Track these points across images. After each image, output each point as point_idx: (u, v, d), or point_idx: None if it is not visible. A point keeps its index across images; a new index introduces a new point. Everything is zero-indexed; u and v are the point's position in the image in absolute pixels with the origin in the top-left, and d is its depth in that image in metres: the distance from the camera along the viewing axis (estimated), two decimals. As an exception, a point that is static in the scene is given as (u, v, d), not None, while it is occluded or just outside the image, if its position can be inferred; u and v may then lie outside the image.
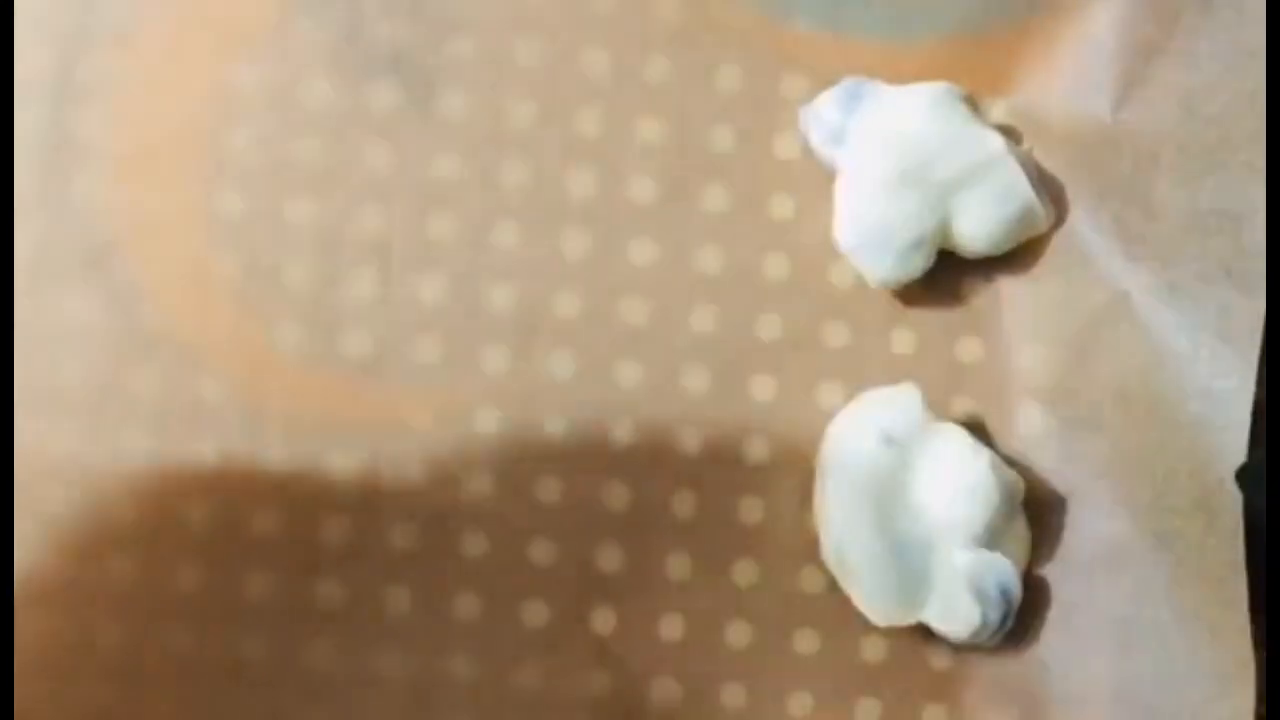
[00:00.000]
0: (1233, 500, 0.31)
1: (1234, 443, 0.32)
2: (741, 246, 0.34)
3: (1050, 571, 0.33)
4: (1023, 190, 0.33)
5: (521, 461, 0.34)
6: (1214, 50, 0.33)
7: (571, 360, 0.34)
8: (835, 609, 0.33)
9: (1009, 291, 0.34)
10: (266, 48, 0.34)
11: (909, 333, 0.34)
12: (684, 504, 0.34)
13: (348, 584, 0.34)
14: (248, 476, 0.34)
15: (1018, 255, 0.34)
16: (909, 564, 0.32)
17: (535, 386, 0.34)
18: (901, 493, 0.32)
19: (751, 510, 0.34)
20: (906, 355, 0.34)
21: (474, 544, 0.34)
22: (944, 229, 0.33)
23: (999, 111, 0.34)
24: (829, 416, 0.33)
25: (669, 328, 0.34)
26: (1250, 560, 0.31)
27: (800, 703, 0.33)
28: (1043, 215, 0.33)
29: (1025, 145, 0.34)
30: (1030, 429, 0.34)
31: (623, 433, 0.34)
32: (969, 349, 0.34)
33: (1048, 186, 0.34)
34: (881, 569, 0.32)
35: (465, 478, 0.34)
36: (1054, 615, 0.33)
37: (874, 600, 0.32)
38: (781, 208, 0.34)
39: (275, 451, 0.34)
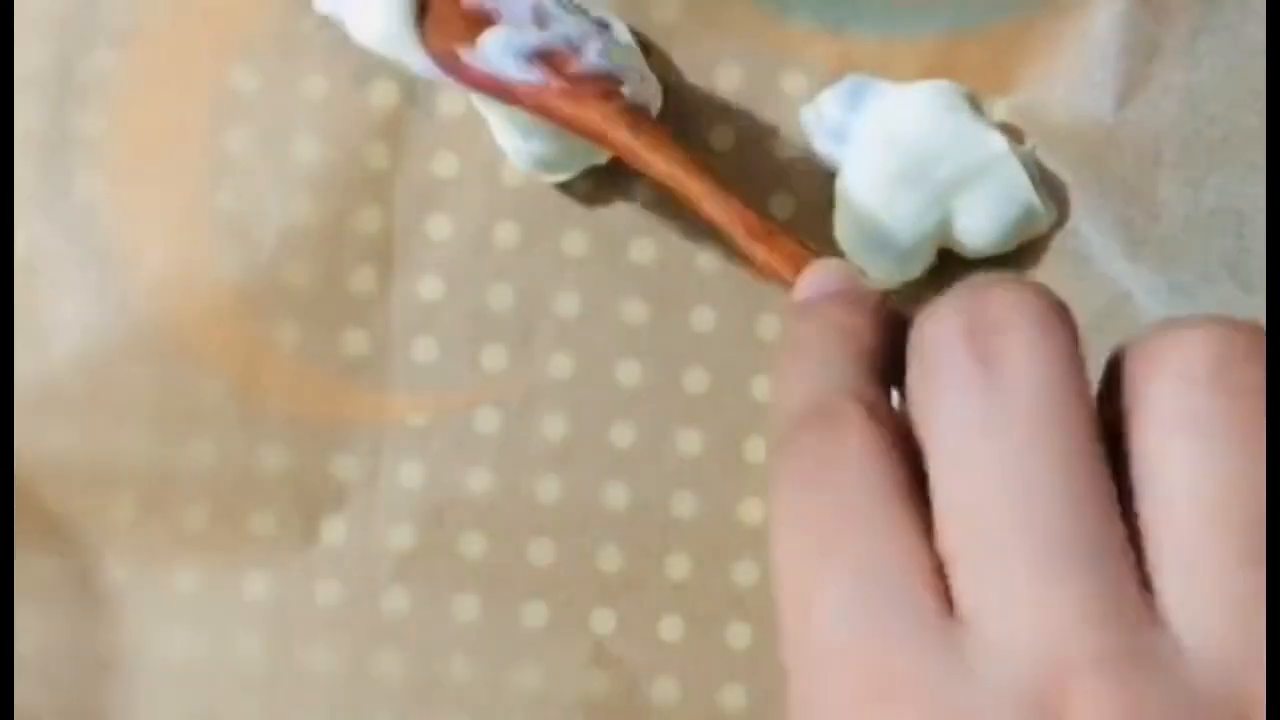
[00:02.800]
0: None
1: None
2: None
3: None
4: (1024, 190, 0.32)
5: (521, 461, 0.34)
6: (1216, 49, 0.33)
7: (571, 360, 0.34)
8: (835, 609, 0.33)
9: (1010, 291, 0.34)
10: (266, 48, 0.34)
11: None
12: (684, 504, 0.34)
13: (346, 584, 0.34)
14: (246, 475, 0.34)
15: (1018, 255, 0.33)
16: (909, 564, 0.32)
17: (535, 386, 0.34)
18: (902, 493, 0.32)
19: (751, 510, 0.34)
20: (907, 355, 0.34)
21: (474, 544, 0.34)
22: (944, 229, 0.33)
23: (1001, 110, 0.34)
24: (829, 416, 0.33)
25: (669, 328, 0.34)
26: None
27: (800, 703, 0.33)
28: (1044, 215, 0.33)
29: (1027, 144, 0.34)
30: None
31: (623, 433, 0.34)
32: (970, 349, 0.34)
33: (1049, 186, 0.33)
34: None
35: (465, 478, 0.34)
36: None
37: (874, 601, 0.32)
38: (782, 208, 0.34)
39: (274, 451, 0.34)
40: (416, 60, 0.30)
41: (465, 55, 0.30)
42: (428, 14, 0.30)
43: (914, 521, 0.20)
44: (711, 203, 0.29)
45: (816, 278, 0.26)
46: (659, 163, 0.29)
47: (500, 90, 0.30)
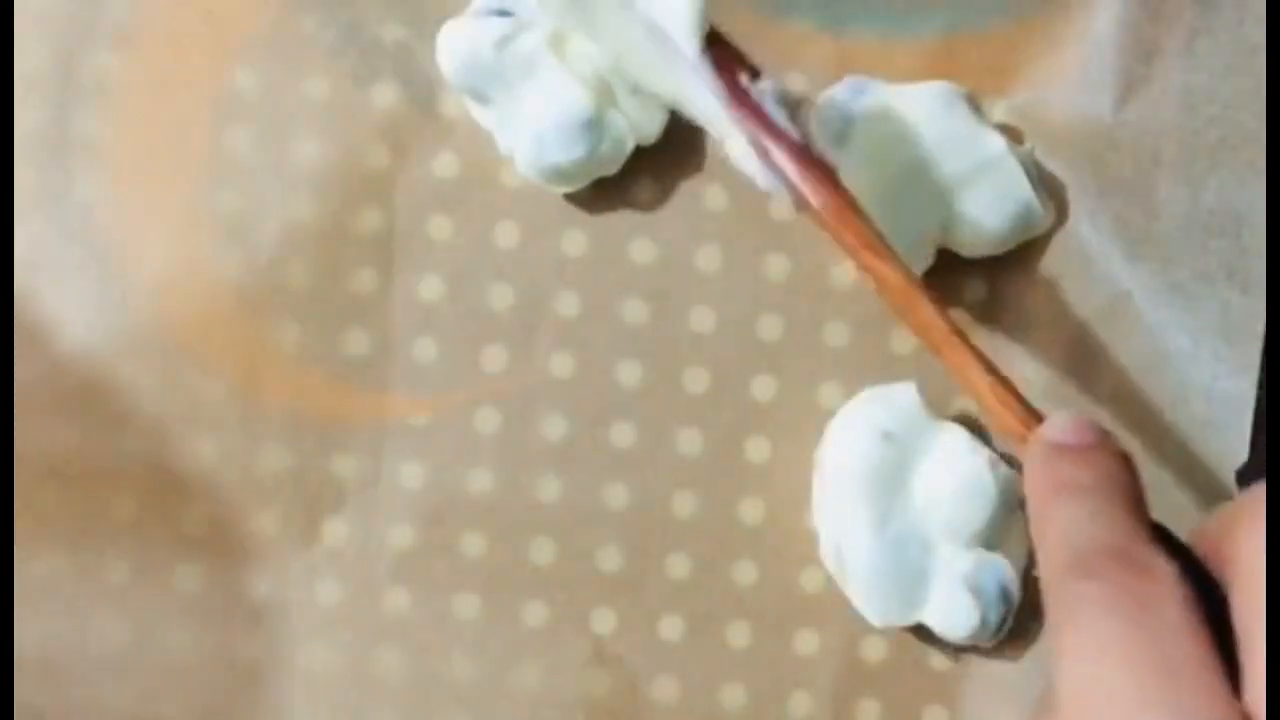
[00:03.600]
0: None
1: (1235, 443, 0.32)
2: (741, 246, 0.34)
3: (1050, 572, 0.33)
4: (1023, 190, 0.33)
5: (521, 461, 0.34)
6: (1215, 49, 0.33)
7: (571, 360, 0.34)
8: (835, 609, 0.33)
9: (1009, 291, 0.34)
10: (266, 48, 0.34)
11: (909, 332, 0.34)
12: (684, 504, 0.34)
13: (346, 584, 0.34)
14: (247, 475, 0.34)
15: (1018, 255, 0.34)
16: (908, 564, 0.32)
17: (535, 386, 0.34)
18: (901, 491, 0.32)
19: (751, 510, 0.34)
20: (906, 355, 0.34)
21: (474, 544, 0.34)
22: (943, 229, 0.33)
23: (1000, 111, 0.34)
24: (829, 416, 0.33)
25: (669, 328, 0.34)
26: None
27: (800, 703, 0.34)
28: (1043, 215, 0.33)
29: (1027, 144, 0.34)
30: (1030, 429, 0.33)
31: (623, 433, 0.34)
32: (969, 349, 0.34)
33: (1048, 186, 0.33)
34: (881, 569, 0.32)
35: (465, 478, 0.34)
36: (1054, 616, 0.33)
37: (874, 600, 0.32)
38: (782, 208, 0.34)
39: (274, 451, 0.34)
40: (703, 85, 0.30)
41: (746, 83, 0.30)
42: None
43: (1223, 676, 0.22)
44: (971, 370, 0.29)
45: (1073, 426, 0.27)
46: (931, 315, 0.29)
47: (790, 181, 0.30)
